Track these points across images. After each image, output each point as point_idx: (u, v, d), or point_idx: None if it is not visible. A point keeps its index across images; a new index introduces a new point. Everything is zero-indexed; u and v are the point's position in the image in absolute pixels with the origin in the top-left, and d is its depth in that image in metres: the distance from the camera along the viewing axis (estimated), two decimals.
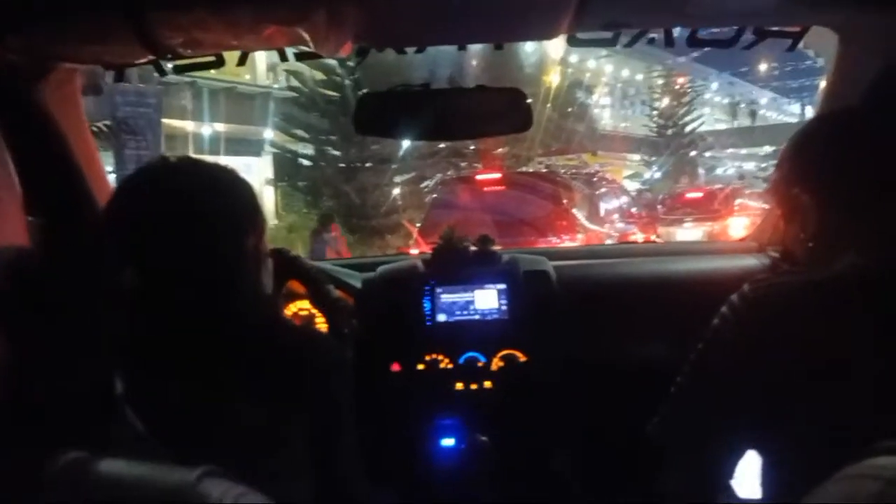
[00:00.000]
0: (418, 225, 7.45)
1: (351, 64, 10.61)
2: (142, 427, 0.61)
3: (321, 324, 1.50)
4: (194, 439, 0.71)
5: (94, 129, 1.45)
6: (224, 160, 0.99)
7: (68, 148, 1.28)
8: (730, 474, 0.98)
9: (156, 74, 1.38)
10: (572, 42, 1.33)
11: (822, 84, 1.59)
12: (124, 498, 0.43)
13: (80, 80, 1.37)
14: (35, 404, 0.48)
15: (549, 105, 15.74)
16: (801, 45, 1.39)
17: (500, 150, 14.15)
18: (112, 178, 1.49)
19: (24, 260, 0.49)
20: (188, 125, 13.56)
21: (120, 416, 0.59)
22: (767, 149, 27.31)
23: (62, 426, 0.49)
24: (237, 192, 0.91)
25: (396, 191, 12.51)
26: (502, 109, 1.44)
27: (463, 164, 13.62)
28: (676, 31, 1.38)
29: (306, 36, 1.07)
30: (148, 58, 1.20)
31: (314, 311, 1.53)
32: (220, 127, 14.34)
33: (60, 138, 1.27)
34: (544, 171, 9.67)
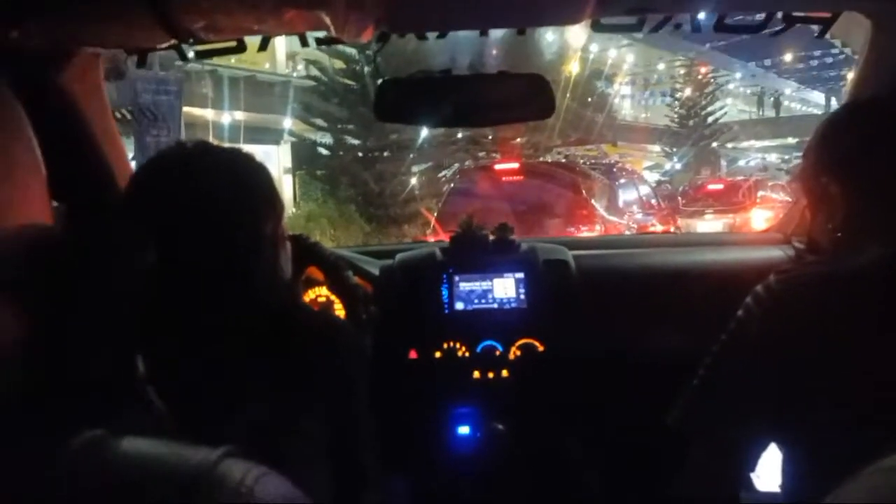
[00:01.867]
0: (435, 214, 7.45)
1: (370, 52, 10.59)
2: (164, 408, 0.62)
3: (339, 310, 1.51)
4: (213, 422, 0.71)
5: (117, 115, 1.46)
6: (244, 148, 0.99)
7: (91, 133, 1.29)
8: (751, 467, 0.97)
9: (177, 62, 1.38)
10: (596, 27, 1.30)
11: (850, 75, 1.55)
12: (145, 476, 0.43)
13: (102, 65, 1.38)
14: (57, 384, 0.49)
15: (568, 94, 15.59)
16: (828, 34, 1.35)
17: (518, 139, 14.08)
18: (133, 164, 1.50)
19: (48, 241, 0.49)
20: (208, 113, 13.67)
21: (142, 397, 0.59)
22: (791, 140, 26.86)
23: (84, 406, 0.49)
24: (254, 177, 0.91)
25: (414, 180, 12.51)
26: (524, 96, 1.42)
27: (481, 154, 13.58)
28: (703, 17, 1.35)
29: (327, 20, 1.06)
30: (170, 42, 1.20)
31: (332, 297, 1.54)
32: (239, 115, 14.43)
33: (84, 123, 1.28)
34: (563, 160, 9.59)
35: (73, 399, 0.49)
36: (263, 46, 1.33)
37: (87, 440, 0.43)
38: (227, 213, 0.86)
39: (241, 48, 1.30)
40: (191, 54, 1.36)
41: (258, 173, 0.92)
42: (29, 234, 0.46)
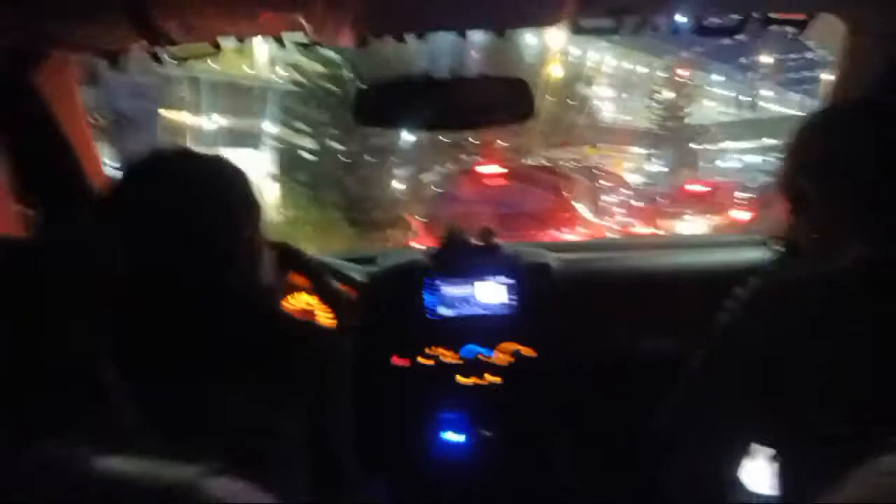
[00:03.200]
0: (418, 218, 7.44)
1: (352, 58, 10.59)
2: (135, 417, 0.60)
3: (323, 317, 1.49)
4: (189, 430, 0.69)
5: (93, 120, 1.43)
6: (223, 152, 0.98)
7: (63, 136, 1.27)
8: (736, 468, 0.97)
9: (154, 65, 1.36)
10: (575, 30, 1.30)
11: (824, 76, 1.57)
12: (119, 496, 0.41)
13: (76, 68, 1.35)
14: (27, 391, 0.47)
15: (549, 97, 15.68)
16: (804, 36, 1.37)
17: (500, 142, 14.12)
18: (110, 169, 1.47)
19: (18, 246, 0.48)
20: (187, 117, 13.54)
21: (113, 404, 0.57)
22: (769, 141, 27.26)
23: (54, 415, 0.47)
24: (233, 182, 0.90)
25: (397, 184, 12.50)
26: (505, 99, 1.42)
27: (464, 157, 13.59)
28: (681, 20, 1.36)
29: (304, 22, 1.05)
30: (141, 43, 1.18)
31: (316, 303, 1.52)
32: (219, 119, 14.31)
33: (55, 126, 1.26)
34: (545, 163, 9.64)
35: (48, 406, 0.47)
36: (239, 48, 1.31)
37: (60, 453, 0.42)
38: (204, 218, 0.85)
39: (215, 51, 1.28)
40: (166, 56, 1.34)
41: (236, 178, 0.91)
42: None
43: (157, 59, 1.31)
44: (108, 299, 0.55)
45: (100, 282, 0.55)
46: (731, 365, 0.92)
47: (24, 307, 0.47)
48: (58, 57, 1.26)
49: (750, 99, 32.67)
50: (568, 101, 18.32)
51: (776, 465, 0.93)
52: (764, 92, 35.27)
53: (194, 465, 0.44)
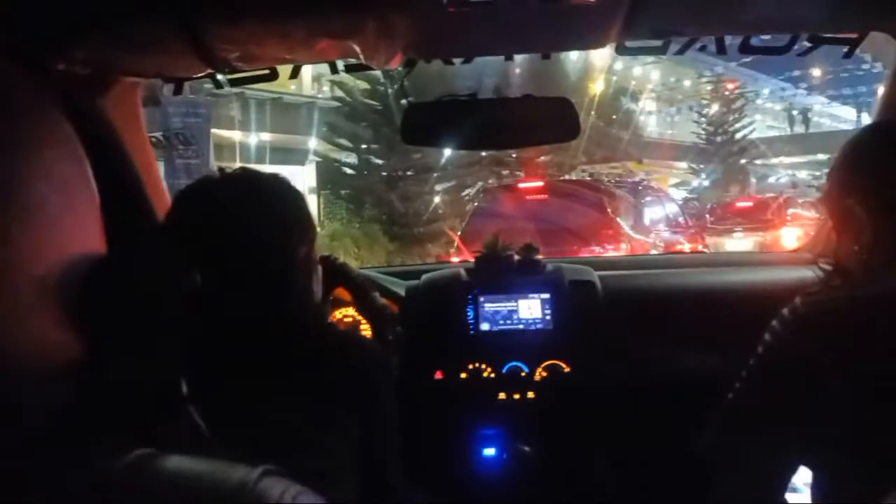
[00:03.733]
0: (459, 234, 7.46)
1: (394, 74, 10.73)
2: (205, 428, 0.64)
3: (366, 331, 1.52)
4: (246, 441, 0.73)
5: (153, 140, 1.51)
6: (269, 169, 1.02)
7: (130, 159, 1.34)
8: (782, 490, 0.96)
9: (207, 85, 1.43)
10: (621, 51, 1.32)
11: (881, 90, 1.53)
12: (187, 494, 0.44)
13: (140, 93, 1.43)
14: (105, 403, 0.51)
15: (593, 112, 15.57)
16: (857, 50, 1.34)
17: (542, 158, 14.06)
18: (164, 187, 1.54)
19: (103, 267, 0.52)
20: (236, 135, 13.94)
21: (185, 416, 0.61)
22: (821, 156, 26.35)
23: (130, 425, 0.51)
24: (290, 202, 0.94)
25: (437, 199, 12.57)
26: (549, 118, 1.43)
27: (505, 173, 13.59)
28: (728, 39, 1.36)
29: (357, 49, 1.09)
30: (206, 71, 1.24)
31: (359, 317, 1.55)
32: (266, 136, 14.68)
33: (123, 149, 1.33)
34: (588, 178, 9.55)
35: (121, 417, 0.51)
36: (294, 74, 1.37)
37: (133, 458, 0.45)
38: (262, 237, 0.89)
39: (273, 76, 1.34)
40: (225, 80, 1.41)
41: (295, 199, 0.95)
42: (87, 260, 0.49)
43: (217, 83, 1.38)
44: (176, 318, 0.59)
45: (167, 301, 0.58)
46: (772, 387, 0.90)
47: (107, 321, 0.51)
48: (125, 84, 1.34)
49: (802, 113, 31.69)
50: (612, 115, 18.15)
51: (818, 485, 0.91)
52: (817, 106, 34.20)
53: (256, 467, 0.47)
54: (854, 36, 1.29)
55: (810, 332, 0.88)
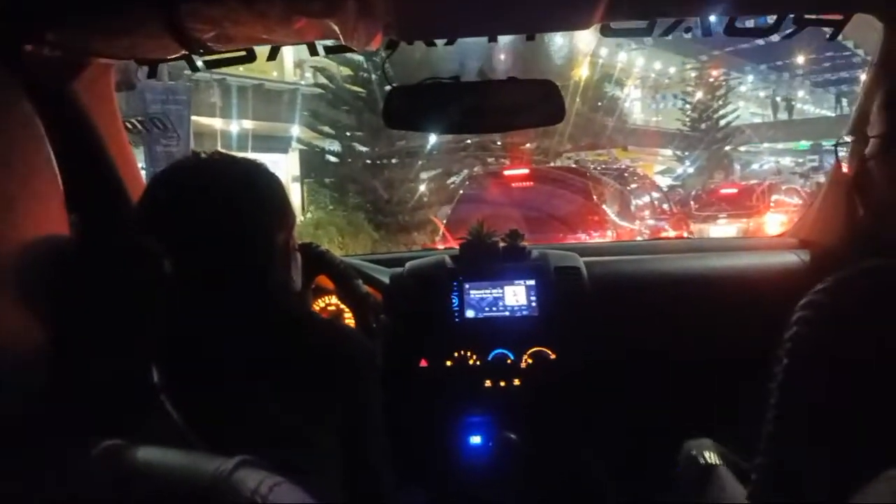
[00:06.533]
0: (445, 221, 7.45)
1: (377, 59, 10.63)
2: (178, 418, 0.62)
3: (349, 319, 1.50)
4: (224, 432, 0.71)
5: (127, 125, 1.47)
6: (251, 157, 0.99)
7: (102, 142, 1.30)
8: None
9: (186, 72, 1.39)
10: (606, 32, 1.30)
11: (863, 76, 1.53)
12: (161, 485, 0.44)
13: (114, 75, 1.39)
14: (73, 392, 0.49)
15: (578, 99, 15.57)
16: (840, 36, 1.34)
17: (527, 144, 14.07)
18: (143, 175, 1.50)
19: (67, 251, 0.50)
20: (216, 122, 13.78)
21: (157, 406, 0.59)
22: (804, 143, 26.65)
23: (100, 415, 0.50)
24: (268, 187, 0.92)
25: (423, 187, 12.53)
26: (534, 101, 1.42)
27: (490, 160, 13.58)
28: (713, 21, 1.34)
29: (336, 28, 1.06)
30: (180, 53, 1.21)
31: (342, 306, 1.53)
32: (247, 124, 14.53)
33: (95, 133, 1.29)
34: (573, 166, 9.57)
35: (92, 407, 0.49)
36: (273, 56, 1.33)
37: (105, 448, 0.44)
38: (241, 224, 0.86)
39: (250, 58, 1.30)
40: (200, 64, 1.37)
41: (272, 184, 0.92)
42: (49, 245, 0.47)
43: (193, 66, 1.34)
44: (151, 304, 0.57)
45: (141, 286, 0.56)
46: (820, 386, 0.77)
47: (73, 310, 0.49)
48: (97, 66, 1.30)
49: (785, 100, 32.00)
50: (598, 102, 18.18)
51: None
52: (800, 93, 34.55)
53: (231, 458, 0.45)
54: (839, 17, 1.29)
55: (856, 310, 0.77)
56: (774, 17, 1.29)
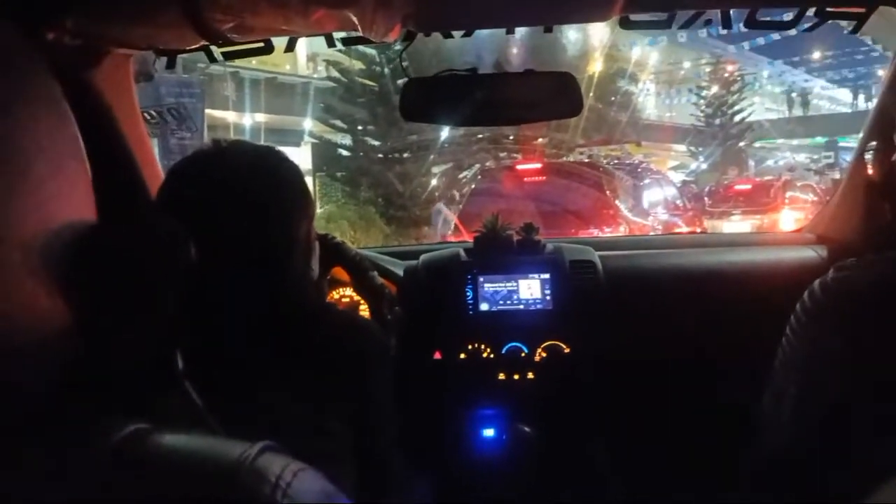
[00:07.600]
0: (457, 214, 7.45)
1: (390, 53, 10.62)
2: (201, 403, 0.62)
3: (364, 311, 1.51)
4: (243, 419, 0.71)
5: (146, 115, 1.47)
6: None
7: (121, 131, 1.31)
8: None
9: (200, 64, 1.40)
10: (625, 24, 1.29)
11: (881, 72, 1.51)
12: (184, 469, 0.44)
13: (133, 66, 1.40)
14: (101, 377, 0.49)
15: (591, 94, 15.47)
16: (860, 31, 1.32)
17: (540, 139, 14.01)
18: (158, 165, 1.51)
19: (92, 233, 0.50)
20: (229, 115, 13.84)
21: (181, 391, 0.59)
22: (820, 139, 26.32)
23: (125, 399, 0.50)
24: (289, 177, 0.91)
25: (434, 181, 12.52)
26: (552, 94, 1.41)
27: (502, 154, 13.54)
28: (733, 13, 1.33)
29: (355, 19, 1.06)
30: (199, 43, 1.21)
31: (357, 297, 1.54)
32: (260, 117, 14.58)
33: (114, 122, 1.30)
34: (586, 160, 9.53)
35: (116, 392, 0.50)
36: (290, 47, 1.33)
37: (128, 433, 0.44)
38: (261, 212, 0.86)
39: (268, 49, 1.31)
40: (219, 53, 1.37)
41: (292, 173, 0.92)
42: (75, 227, 0.47)
43: (211, 57, 1.35)
44: (171, 293, 0.57)
45: (161, 275, 0.57)
46: (832, 380, 0.79)
47: (99, 292, 0.49)
48: (117, 56, 1.30)
49: (801, 95, 31.59)
50: (611, 97, 18.07)
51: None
52: (816, 88, 34.11)
53: (255, 443, 0.46)
54: (862, 11, 1.27)
55: (850, 303, 0.79)
56: (796, 9, 1.27)
